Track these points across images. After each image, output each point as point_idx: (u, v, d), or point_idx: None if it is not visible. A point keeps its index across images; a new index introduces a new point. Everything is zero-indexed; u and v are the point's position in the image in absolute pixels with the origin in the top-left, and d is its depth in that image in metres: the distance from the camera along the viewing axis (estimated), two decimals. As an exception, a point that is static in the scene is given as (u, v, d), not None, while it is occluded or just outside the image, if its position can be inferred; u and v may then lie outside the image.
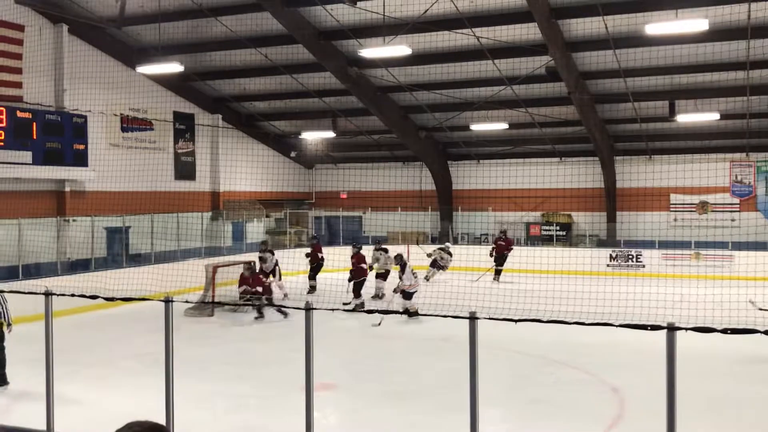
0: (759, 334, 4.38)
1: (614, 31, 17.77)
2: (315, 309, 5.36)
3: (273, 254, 19.13)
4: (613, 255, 24.15)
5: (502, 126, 24.33)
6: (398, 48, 17.31)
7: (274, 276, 18.59)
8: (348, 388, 10.53)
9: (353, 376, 11.37)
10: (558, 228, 26.60)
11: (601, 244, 25.62)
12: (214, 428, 8.74)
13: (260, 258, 18.96)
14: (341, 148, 28.95)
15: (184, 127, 24.78)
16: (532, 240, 26.58)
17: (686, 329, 4.25)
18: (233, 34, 19.80)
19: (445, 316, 5.55)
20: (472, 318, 4.93)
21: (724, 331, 4.36)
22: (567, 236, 26.40)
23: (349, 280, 17.85)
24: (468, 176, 28.01)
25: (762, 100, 21.12)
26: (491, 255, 22.82)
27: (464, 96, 23.01)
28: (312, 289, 20.22)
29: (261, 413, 9.36)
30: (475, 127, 24.81)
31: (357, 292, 17.61)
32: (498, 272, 22.66)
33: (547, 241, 26.15)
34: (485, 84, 21.91)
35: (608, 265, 23.80)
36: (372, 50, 17.86)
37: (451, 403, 8.94)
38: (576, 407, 9.65)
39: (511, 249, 22.95)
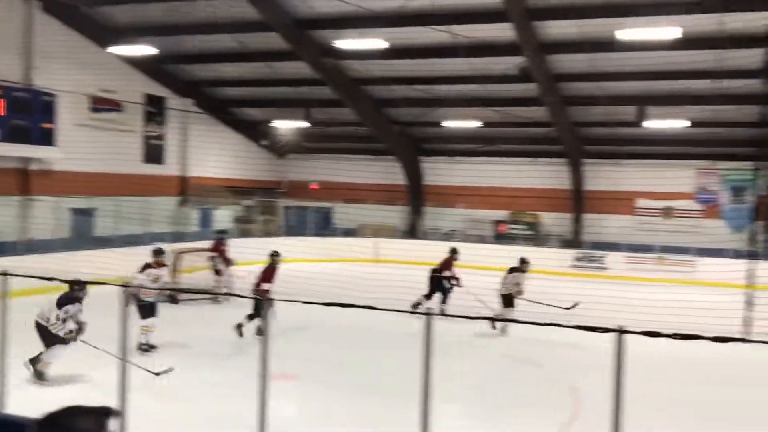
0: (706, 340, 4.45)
1: (588, 34, 17.95)
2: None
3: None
4: (578, 256, 24.43)
5: (475, 124, 24.46)
6: (374, 41, 17.30)
7: None
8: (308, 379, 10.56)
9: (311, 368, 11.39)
10: (525, 227, 26.82)
11: (566, 244, 25.87)
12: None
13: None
14: (314, 138, 28.85)
15: (155, 110, 24.52)
16: (498, 238, 26.72)
17: (634, 333, 4.33)
18: (209, 18, 19.62)
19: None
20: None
21: (673, 336, 4.43)
22: (534, 236, 26.59)
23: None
24: (439, 172, 28.09)
25: (729, 109, 21.42)
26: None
27: (437, 92, 23.06)
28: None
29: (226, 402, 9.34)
30: (447, 124, 24.91)
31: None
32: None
33: (512, 239, 26.30)
34: (459, 81, 22.01)
35: (573, 266, 24.05)
36: (348, 42, 17.82)
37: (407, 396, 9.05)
38: (533, 406, 9.78)
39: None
